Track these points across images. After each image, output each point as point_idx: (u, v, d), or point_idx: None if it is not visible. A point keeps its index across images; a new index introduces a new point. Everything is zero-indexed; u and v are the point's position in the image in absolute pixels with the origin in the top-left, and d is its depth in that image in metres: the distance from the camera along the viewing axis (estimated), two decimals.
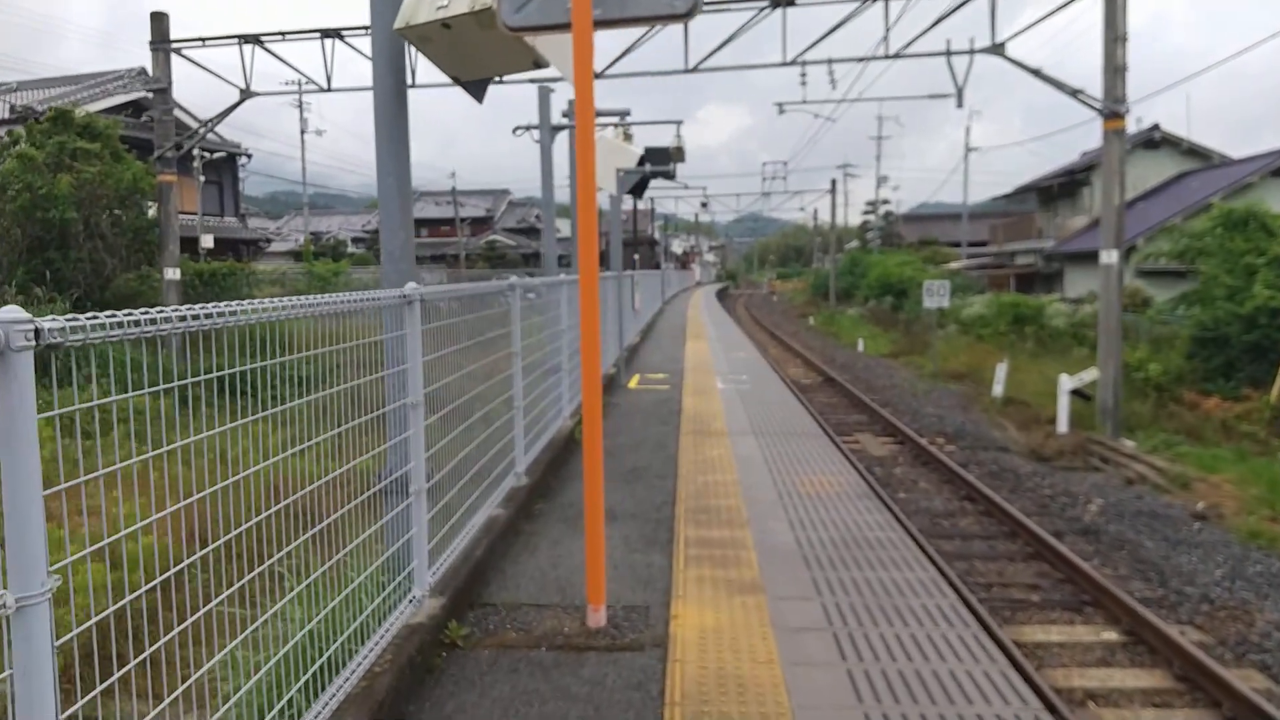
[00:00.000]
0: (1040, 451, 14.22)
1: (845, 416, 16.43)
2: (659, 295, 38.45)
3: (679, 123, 11.75)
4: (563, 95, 19.95)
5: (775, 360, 24.15)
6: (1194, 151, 34.41)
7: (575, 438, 8.11)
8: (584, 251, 3.63)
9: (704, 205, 33.62)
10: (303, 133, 53.57)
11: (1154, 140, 34.00)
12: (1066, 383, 14.90)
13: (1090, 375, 14.95)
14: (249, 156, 35.62)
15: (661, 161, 11.16)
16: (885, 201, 64.72)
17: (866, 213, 70.20)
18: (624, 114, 11.40)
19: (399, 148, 4.57)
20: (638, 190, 11.94)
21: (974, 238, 48.52)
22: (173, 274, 18.56)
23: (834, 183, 53.64)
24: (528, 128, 11.83)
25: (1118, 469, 13.31)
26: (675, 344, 20.33)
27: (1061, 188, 35.81)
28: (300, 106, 53.94)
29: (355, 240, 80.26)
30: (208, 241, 24.35)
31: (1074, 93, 15.42)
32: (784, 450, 7.89)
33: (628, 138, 11.40)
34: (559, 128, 11.26)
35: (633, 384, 12.47)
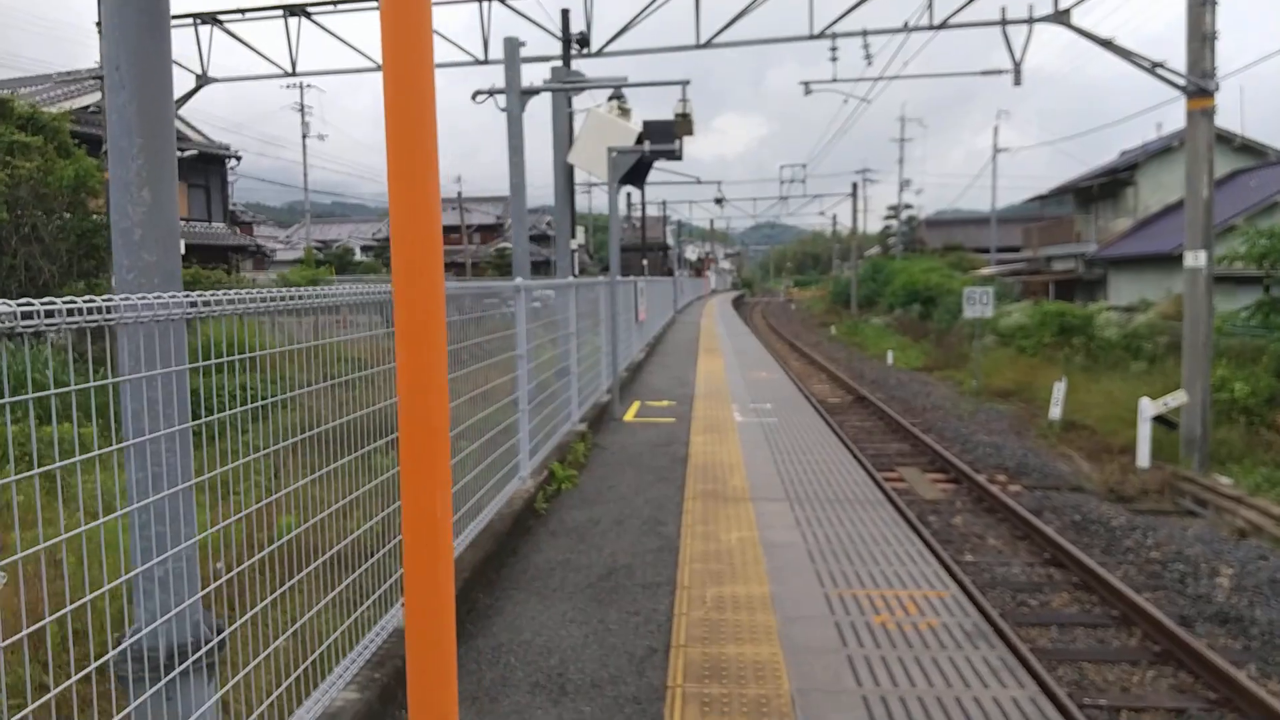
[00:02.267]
0: (1120, 490, 11.94)
1: (884, 445, 14.17)
2: (670, 304, 36.30)
3: (685, 83, 9.25)
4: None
5: (798, 375, 21.92)
6: (1247, 148, 31.89)
7: (537, 509, 5.93)
8: (405, 216, 1.36)
9: (719, 202, 31.13)
10: (304, 137, 52.06)
11: None
12: (1149, 408, 12.59)
13: (1176, 399, 12.65)
14: (238, 159, 33.77)
15: (664, 138, 8.87)
16: (908, 206, 62.32)
17: (888, 218, 67.81)
18: (620, 83, 9.14)
19: (152, 24, 2.42)
20: (636, 177, 9.71)
21: (1002, 243, 46.12)
22: None
23: (855, 185, 51.35)
24: (490, 92, 9.55)
25: (1220, 515, 11.02)
26: (685, 361, 18.07)
27: (1103, 188, 33.37)
28: (302, 110, 52.44)
29: (365, 249, 79.21)
30: (180, 247, 22.35)
31: (1153, 66, 13.17)
32: (835, 530, 5.61)
33: (624, 113, 9.22)
34: (531, 91, 8.98)
35: (630, 415, 10.22)
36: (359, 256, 71.67)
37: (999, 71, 13.46)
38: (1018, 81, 13.36)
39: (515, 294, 5.59)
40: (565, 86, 9.15)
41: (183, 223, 33.43)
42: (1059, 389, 16.10)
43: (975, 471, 12.08)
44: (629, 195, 60.86)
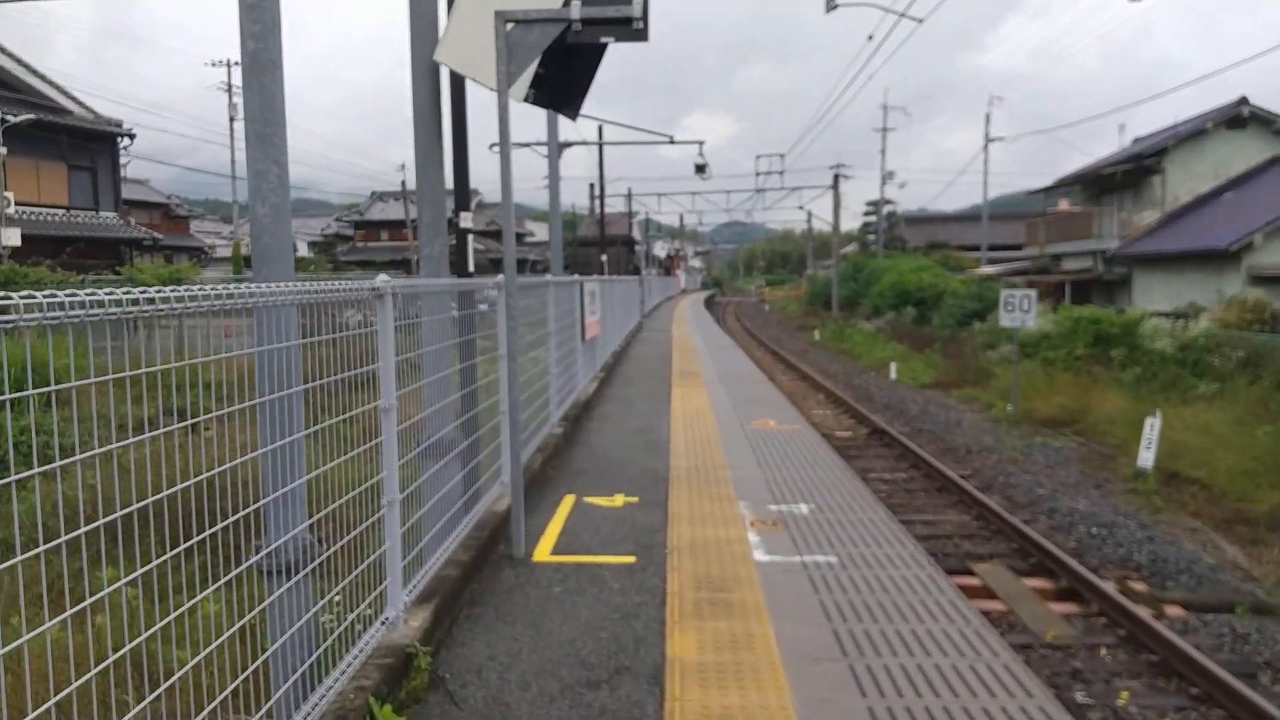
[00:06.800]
0: None
1: (937, 515, 10.01)
2: (637, 308, 31.98)
3: None
4: None
5: (790, 393, 17.65)
6: None
7: None
8: None
9: (700, 170, 26.75)
10: (231, 120, 47.00)
11: (1240, 118, 27.92)
12: None
13: None
14: (131, 137, 28.96)
15: None
16: (889, 201, 58.69)
17: (867, 214, 64.16)
18: None
19: None
20: (562, 86, 5.16)
21: (990, 240, 42.50)
22: None
23: (836, 177, 47.41)
24: None
25: None
26: (656, 396, 13.62)
27: (1125, 176, 29.62)
28: (229, 89, 47.44)
29: (311, 244, 74.44)
30: (13, 237, 17.66)
31: None
32: None
33: None
34: None
35: (546, 547, 5.32)
36: (303, 252, 66.99)
37: None
38: None
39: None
40: None
41: (62, 211, 28.36)
42: (1152, 427, 12.05)
43: (1095, 573, 7.96)
44: (591, 187, 56.02)
